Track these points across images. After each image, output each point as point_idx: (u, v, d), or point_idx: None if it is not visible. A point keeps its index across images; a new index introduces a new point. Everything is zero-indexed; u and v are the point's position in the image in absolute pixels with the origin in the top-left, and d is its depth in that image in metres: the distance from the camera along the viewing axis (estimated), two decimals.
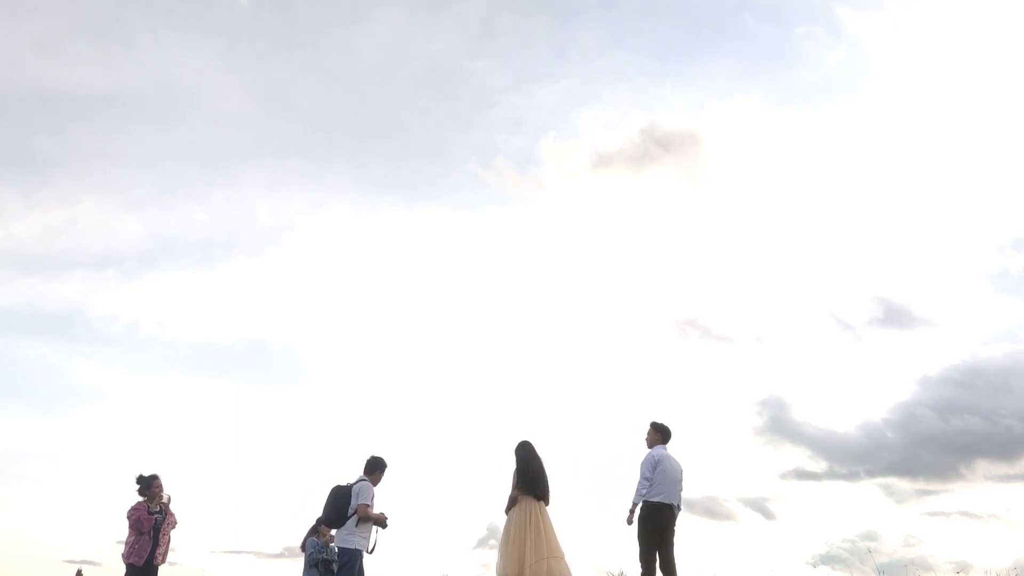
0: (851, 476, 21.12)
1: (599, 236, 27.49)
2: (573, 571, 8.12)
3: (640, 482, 8.39)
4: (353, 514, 7.99)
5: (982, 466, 20.24)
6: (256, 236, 27.90)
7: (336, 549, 8.10)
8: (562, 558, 7.91)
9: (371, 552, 8.13)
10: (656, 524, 8.25)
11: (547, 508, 8.21)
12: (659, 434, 8.79)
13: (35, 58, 26.24)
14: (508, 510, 8.25)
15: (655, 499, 8.29)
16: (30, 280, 26.30)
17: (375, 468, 8.33)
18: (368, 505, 8.01)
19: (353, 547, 7.96)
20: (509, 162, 27.25)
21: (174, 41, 26.91)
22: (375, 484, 8.26)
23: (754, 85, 28.09)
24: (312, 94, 28.09)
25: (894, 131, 27.62)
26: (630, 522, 8.33)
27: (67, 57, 26.48)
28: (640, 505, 8.36)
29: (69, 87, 26.29)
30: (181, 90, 27.37)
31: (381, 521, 8.11)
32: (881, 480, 20.96)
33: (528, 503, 8.11)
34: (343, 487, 8.26)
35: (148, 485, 8.76)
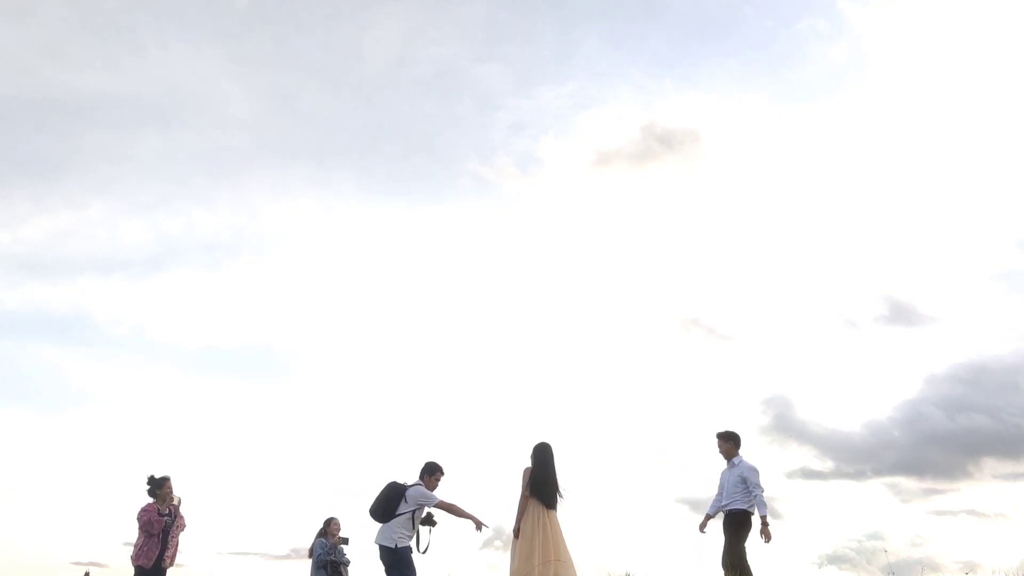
0: (858, 475, 21.04)
1: (601, 235, 27.49)
2: (581, 573, 8.10)
3: (759, 493, 8.38)
4: (401, 514, 7.96)
5: (989, 464, 20.13)
6: (262, 239, 27.97)
7: (379, 547, 8.01)
8: (569, 562, 7.88)
9: (424, 552, 8.09)
10: (748, 530, 8.35)
11: (557, 519, 8.13)
12: (733, 443, 8.78)
13: (43, 63, 26.38)
14: (520, 514, 8.16)
15: (747, 507, 8.40)
16: (38, 283, 26.44)
17: (429, 472, 8.24)
18: (444, 501, 8.02)
19: (394, 545, 7.89)
20: (512, 163, 27.28)
21: (180, 46, 27.04)
22: (431, 488, 8.19)
23: (756, 80, 28.03)
24: (317, 98, 28.17)
25: (900, 127, 27.53)
26: (770, 537, 8.24)
27: (74, 62, 26.63)
28: (734, 512, 8.42)
29: (76, 91, 26.42)
30: (187, 94, 27.49)
31: (477, 524, 8.00)
32: (888, 479, 20.87)
33: (536, 507, 8.07)
34: (399, 485, 8.17)
35: (159, 486, 8.77)
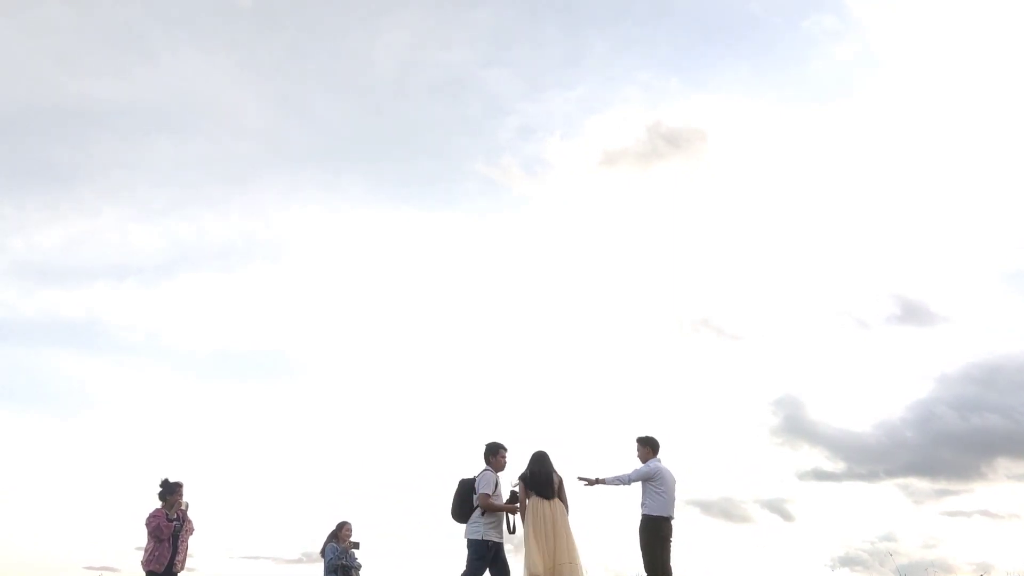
0: (870, 476, 20.92)
1: (610, 236, 27.50)
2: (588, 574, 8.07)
3: (625, 476, 8.56)
4: (478, 506, 7.96)
5: (1003, 465, 19.97)
6: (273, 244, 28.16)
7: (467, 541, 8.01)
8: (578, 563, 7.82)
9: (512, 531, 8.06)
10: (658, 536, 8.41)
11: (563, 508, 8.09)
12: (648, 448, 8.83)
13: (55, 72, 26.66)
14: (521, 515, 8.16)
15: (655, 513, 8.45)
16: (52, 290, 26.69)
17: (492, 453, 8.23)
18: (489, 495, 7.94)
19: (480, 538, 7.86)
20: (521, 166, 27.35)
21: (191, 54, 27.26)
22: (498, 469, 8.18)
23: (763, 78, 27.94)
24: (327, 104, 28.34)
25: (909, 125, 27.36)
26: (582, 480, 8.49)
27: (87, 70, 26.90)
28: (641, 518, 8.51)
29: (89, 100, 26.68)
30: (198, 101, 27.72)
31: (511, 511, 8.05)
32: (900, 480, 20.75)
33: (538, 505, 8.01)
34: (467, 480, 8.19)
35: (171, 491, 8.83)
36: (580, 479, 8.56)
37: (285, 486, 20.66)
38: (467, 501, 8.08)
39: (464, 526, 8.08)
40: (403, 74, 28.36)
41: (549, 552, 7.74)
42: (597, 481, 8.58)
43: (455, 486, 8.30)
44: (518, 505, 8.09)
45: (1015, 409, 19.77)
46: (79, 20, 26.80)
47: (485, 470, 8.16)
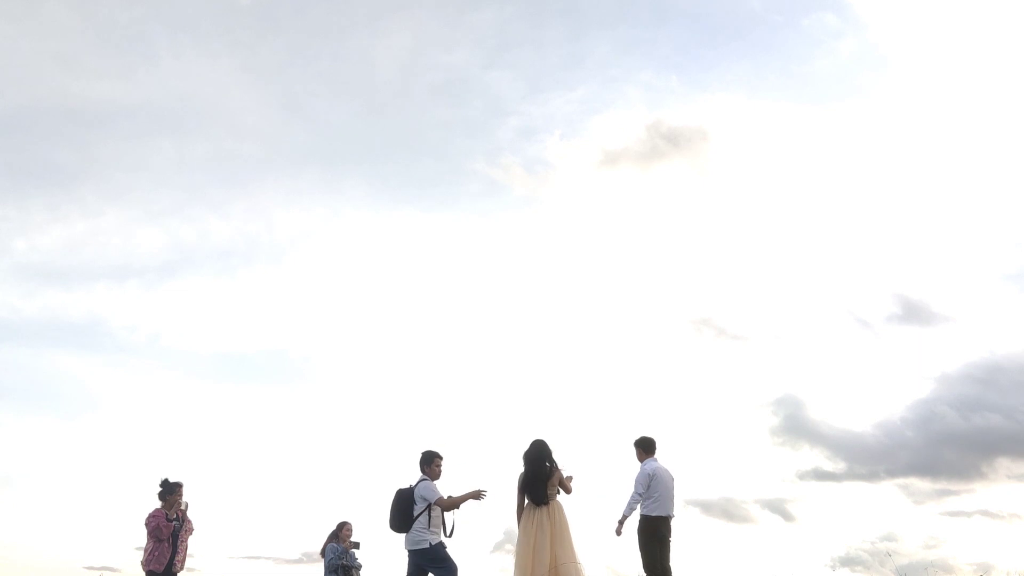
0: (871, 476, 20.91)
1: (610, 235, 27.54)
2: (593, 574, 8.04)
3: (632, 496, 8.56)
4: (419, 515, 7.91)
5: (1004, 465, 19.95)
6: (275, 245, 28.23)
7: (412, 553, 7.96)
8: (575, 562, 7.67)
9: (450, 536, 8.03)
10: (656, 536, 8.47)
11: (561, 508, 8.00)
12: (641, 449, 8.90)
13: (58, 73, 26.74)
14: (517, 518, 8.12)
15: (653, 513, 8.50)
16: (54, 291, 26.76)
17: (427, 462, 8.20)
18: (444, 498, 7.92)
19: (429, 544, 7.84)
20: (523, 167, 27.41)
21: (194, 55, 27.33)
22: (433, 478, 8.12)
23: (764, 77, 27.95)
24: (329, 106, 28.41)
25: (912, 125, 27.36)
26: (619, 533, 8.49)
27: (89, 72, 26.97)
28: (638, 518, 8.56)
29: (91, 101, 26.75)
30: (201, 103, 27.78)
31: (475, 496, 7.95)
32: (901, 480, 20.73)
33: (531, 508, 7.98)
34: (405, 490, 8.13)
35: (171, 491, 8.84)
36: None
37: (285, 486, 20.70)
38: (407, 511, 8.00)
39: (403, 536, 8.01)
40: (405, 75, 28.46)
41: (542, 557, 7.69)
42: (620, 524, 8.52)
43: (392, 495, 8.21)
44: (480, 491, 7.94)
45: (1016, 409, 19.77)
46: (81, 22, 26.90)
47: (422, 479, 8.10)
